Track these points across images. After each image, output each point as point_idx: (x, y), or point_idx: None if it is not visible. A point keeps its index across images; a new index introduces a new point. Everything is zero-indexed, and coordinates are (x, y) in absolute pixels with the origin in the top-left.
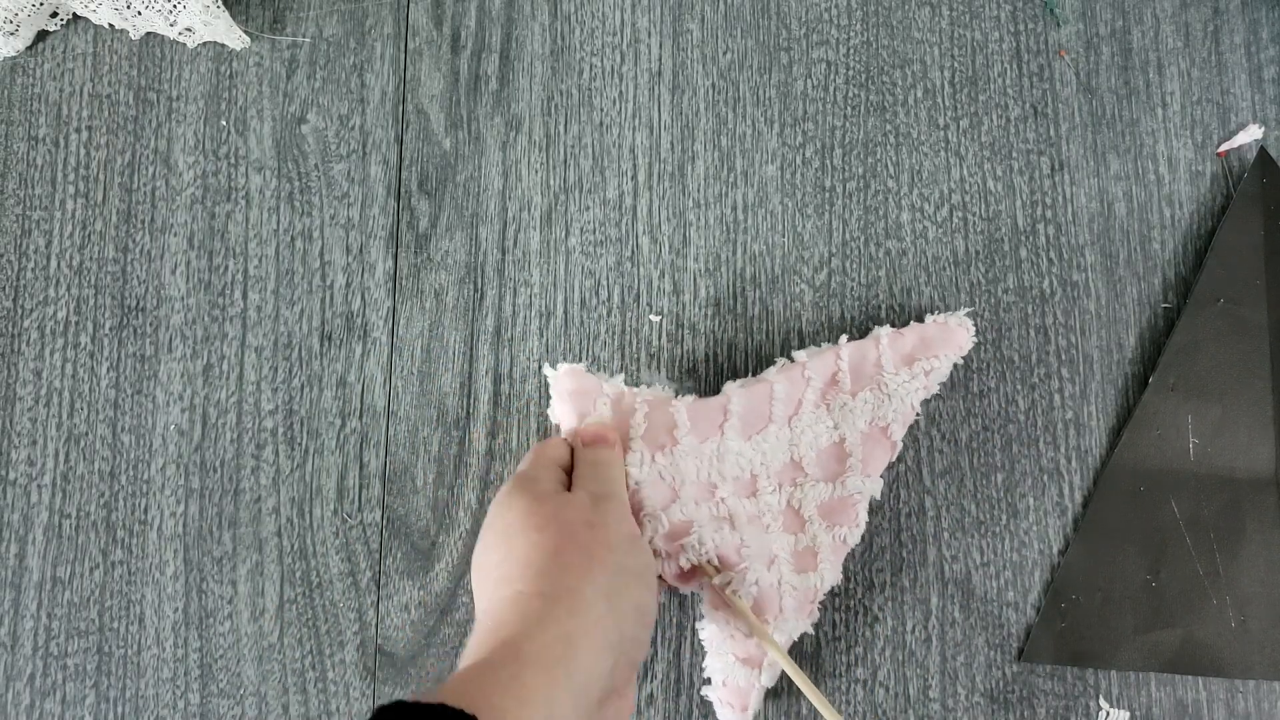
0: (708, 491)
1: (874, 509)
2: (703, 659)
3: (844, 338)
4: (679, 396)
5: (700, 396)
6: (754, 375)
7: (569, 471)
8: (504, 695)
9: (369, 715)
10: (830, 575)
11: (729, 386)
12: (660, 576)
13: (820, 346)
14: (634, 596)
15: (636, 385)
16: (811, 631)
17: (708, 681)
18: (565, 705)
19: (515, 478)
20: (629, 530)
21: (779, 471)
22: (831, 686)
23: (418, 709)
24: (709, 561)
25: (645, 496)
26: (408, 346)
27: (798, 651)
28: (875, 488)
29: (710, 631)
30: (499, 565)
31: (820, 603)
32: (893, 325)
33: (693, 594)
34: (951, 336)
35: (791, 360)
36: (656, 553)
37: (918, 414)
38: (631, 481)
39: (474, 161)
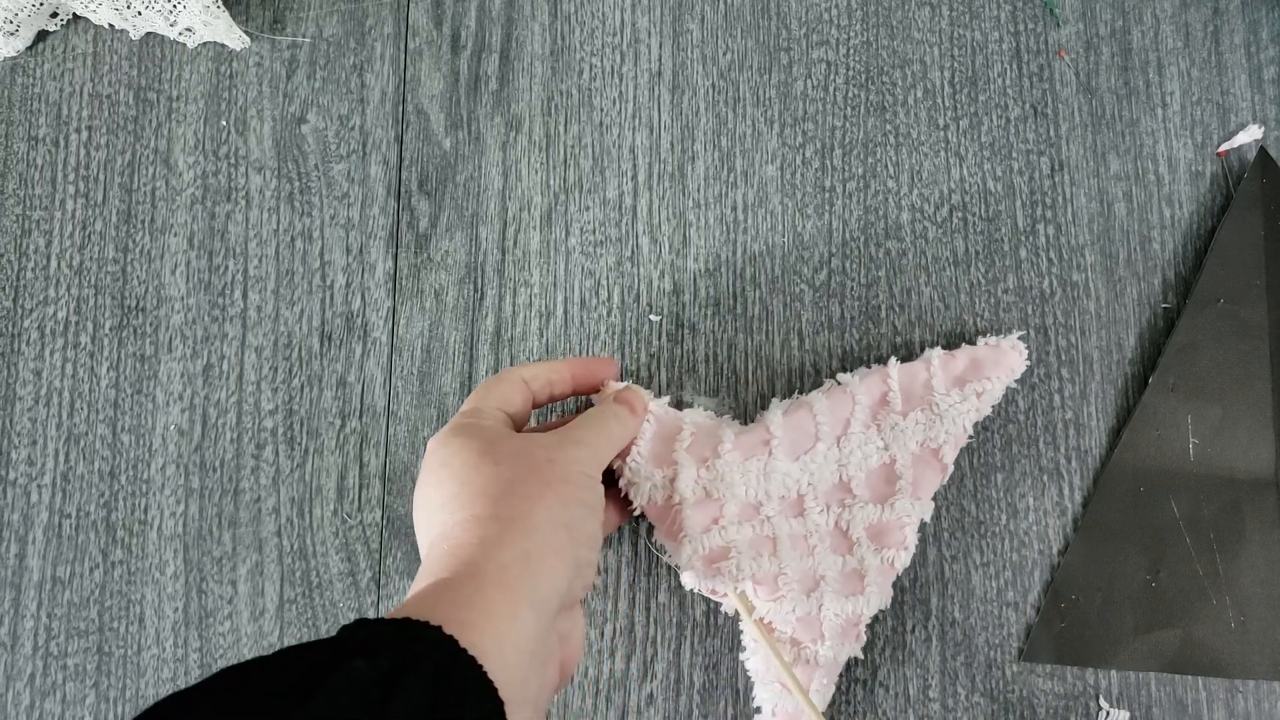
0: (752, 510)
1: None
2: (702, 661)
3: (893, 359)
4: (723, 420)
5: (742, 423)
6: (795, 396)
7: (516, 420)
8: (468, 609)
9: (335, 633)
10: (877, 599)
11: (772, 408)
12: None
13: (869, 368)
14: (588, 526)
15: (680, 408)
16: (861, 656)
17: (758, 710)
18: (528, 620)
19: (461, 417)
20: (591, 471)
21: (826, 492)
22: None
23: (382, 624)
24: (742, 593)
25: (687, 516)
26: (408, 346)
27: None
28: (926, 511)
29: (755, 662)
30: (454, 497)
31: (869, 626)
32: (944, 348)
33: (707, 602)
34: (1004, 359)
35: (838, 383)
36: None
37: (970, 437)
38: (676, 496)
39: (474, 161)
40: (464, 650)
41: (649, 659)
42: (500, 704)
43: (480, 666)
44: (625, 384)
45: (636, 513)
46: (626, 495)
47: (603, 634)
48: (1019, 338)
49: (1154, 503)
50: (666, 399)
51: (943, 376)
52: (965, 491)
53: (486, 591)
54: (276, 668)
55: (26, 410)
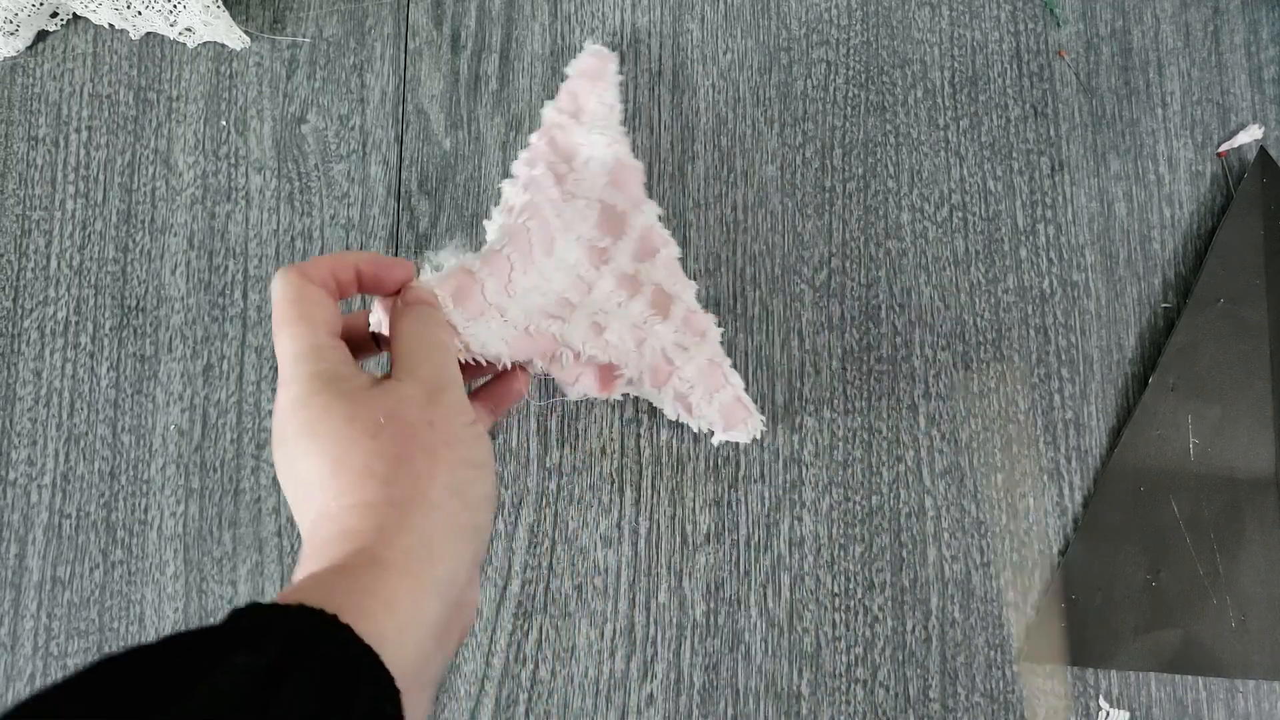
0: (554, 311)
1: (874, 510)
2: (702, 661)
3: (529, 144)
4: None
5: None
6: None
7: (347, 340)
8: (368, 597)
9: (223, 617)
10: (686, 292)
11: (489, 243)
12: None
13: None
14: (481, 488)
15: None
16: (721, 337)
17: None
18: (431, 607)
19: (304, 364)
20: (468, 419)
21: (585, 262)
22: (831, 686)
23: (274, 611)
24: (579, 357)
25: (474, 336)
26: None
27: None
28: (652, 208)
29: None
30: (332, 476)
31: (717, 321)
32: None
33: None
34: (589, 67)
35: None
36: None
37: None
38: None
39: (474, 161)
40: (359, 640)
41: (649, 659)
42: (396, 695)
43: (377, 657)
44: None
45: (503, 366)
46: (482, 364)
47: (603, 634)
48: (591, 42)
49: (1154, 503)
50: (420, 264)
51: (568, 117)
52: (965, 491)
53: (388, 579)
54: (155, 659)
55: (27, 410)
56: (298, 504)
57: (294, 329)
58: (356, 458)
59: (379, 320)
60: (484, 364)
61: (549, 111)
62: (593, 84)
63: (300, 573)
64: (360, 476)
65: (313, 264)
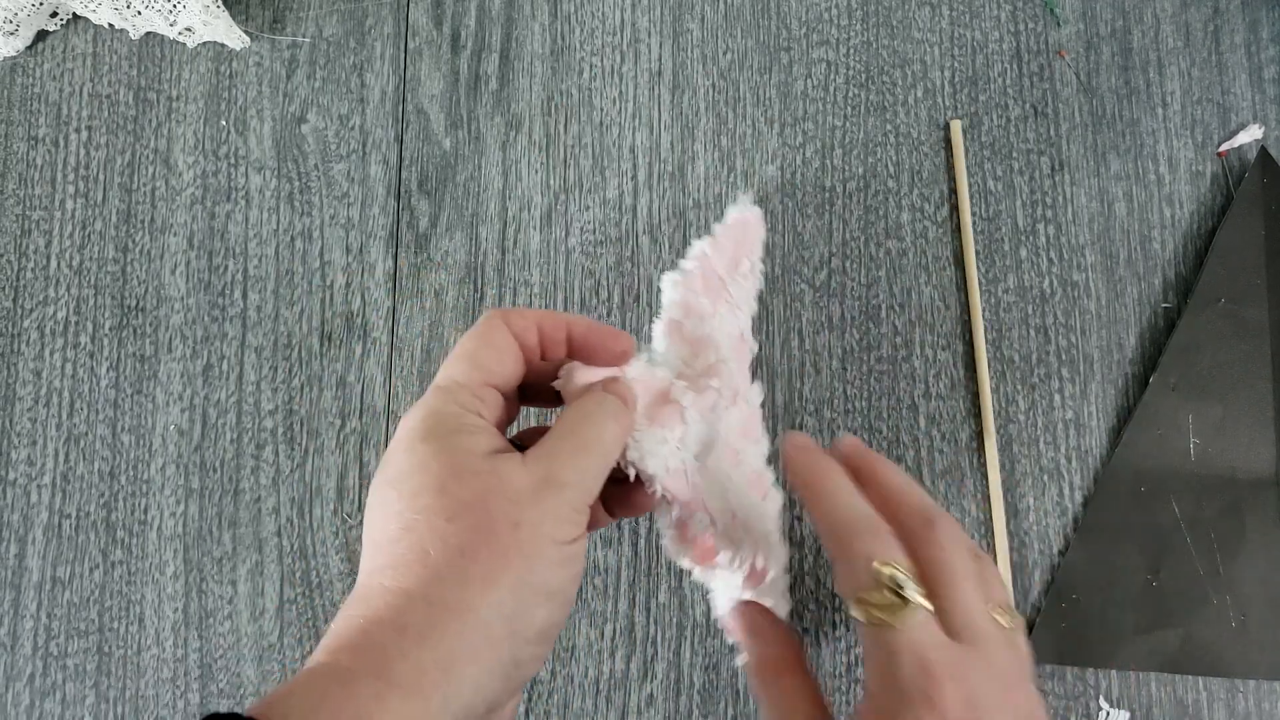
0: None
1: None
2: (702, 661)
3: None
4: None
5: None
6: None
7: (503, 397)
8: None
9: None
10: (755, 452)
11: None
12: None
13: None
14: (544, 617)
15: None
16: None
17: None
18: None
19: (435, 405)
20: (566, 535)
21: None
22: (832, 687)
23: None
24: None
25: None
26: (407, 346)
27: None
28: (755, 393)
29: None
30: (391, 544)
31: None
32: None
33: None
34: (750, 228)
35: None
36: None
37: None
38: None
39: (474, 161)
40: None
41: (649, 659)
42: None
43: None
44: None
45: (658, 494)
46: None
47: (603, 634)
48: (744, 196)
49: (1155, 503)
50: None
51: (721, 261)
52: (966, 492)
53: (391, 700)
54: None
55: (26, 410)
56: (365, 550)
57: (454, 363)
58: (421, 533)
59: (565, 384)
60: (626, 477)
61: (705, 243)
62: (743, 243)
63: (321, 646)
64: (415, 558)
65: (521, 312)
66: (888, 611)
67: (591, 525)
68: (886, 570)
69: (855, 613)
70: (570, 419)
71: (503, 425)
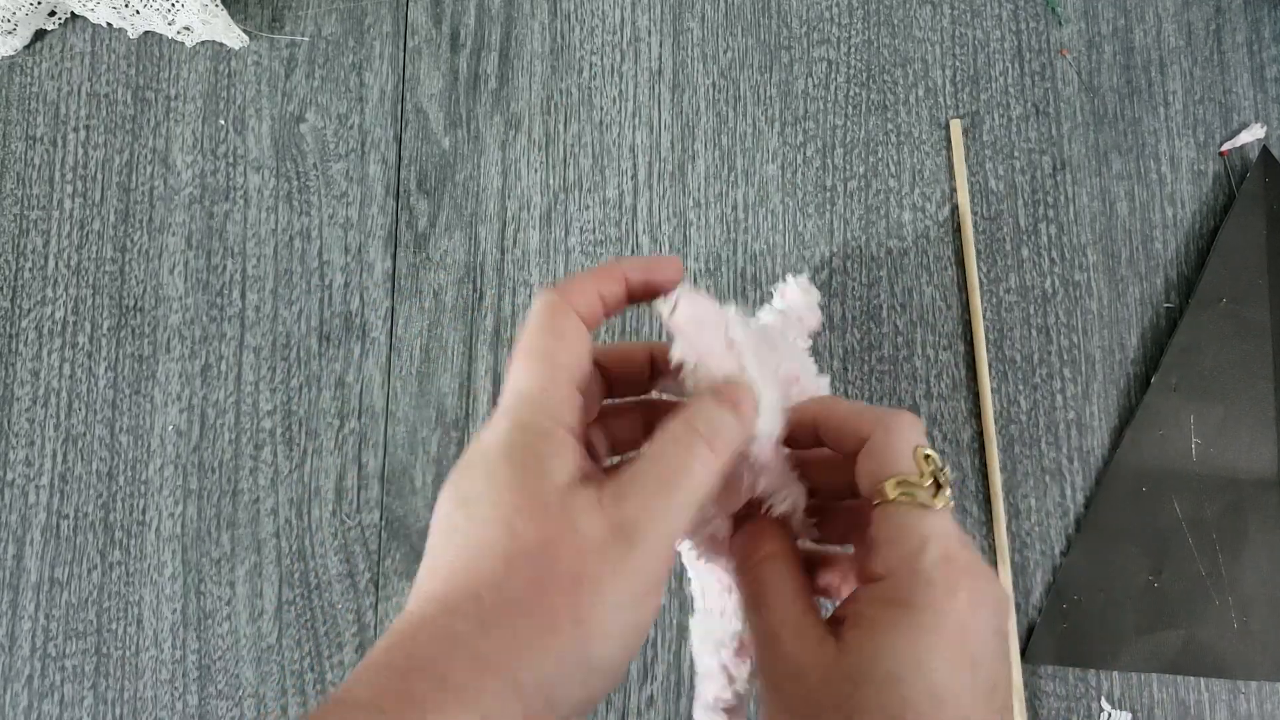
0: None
1: None
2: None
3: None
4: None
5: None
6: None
7: (581, 394)
8: None
9: None
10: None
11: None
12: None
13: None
14: (584, 695)
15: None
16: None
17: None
18: None
19: (516, 421)
20: (649, 583)
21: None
22: None
23: None
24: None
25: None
26: (406, 346)
27: None
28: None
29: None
30: (448, 575)
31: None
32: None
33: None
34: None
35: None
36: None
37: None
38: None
39: (473, 160)
40: None
41: (649, 661)
42: None
43: None
44: (727, 376)
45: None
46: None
47: None
48: (806, 277)
49: (1156, 503)
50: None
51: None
52: (966, 492)
53: None
54: None
55: (24, 410)
56: (428, 553)
57: (530, 363)
58: (480, 576)
59: (681, 360)
60: (741, 486)
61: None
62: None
63: (376, 662)
64: (469, 600)
65: (577, 284)
66: (926, 494)
67: None
68: (931, 454)
69: (892, 493)
70: (656, 445)
71: (585, 426)
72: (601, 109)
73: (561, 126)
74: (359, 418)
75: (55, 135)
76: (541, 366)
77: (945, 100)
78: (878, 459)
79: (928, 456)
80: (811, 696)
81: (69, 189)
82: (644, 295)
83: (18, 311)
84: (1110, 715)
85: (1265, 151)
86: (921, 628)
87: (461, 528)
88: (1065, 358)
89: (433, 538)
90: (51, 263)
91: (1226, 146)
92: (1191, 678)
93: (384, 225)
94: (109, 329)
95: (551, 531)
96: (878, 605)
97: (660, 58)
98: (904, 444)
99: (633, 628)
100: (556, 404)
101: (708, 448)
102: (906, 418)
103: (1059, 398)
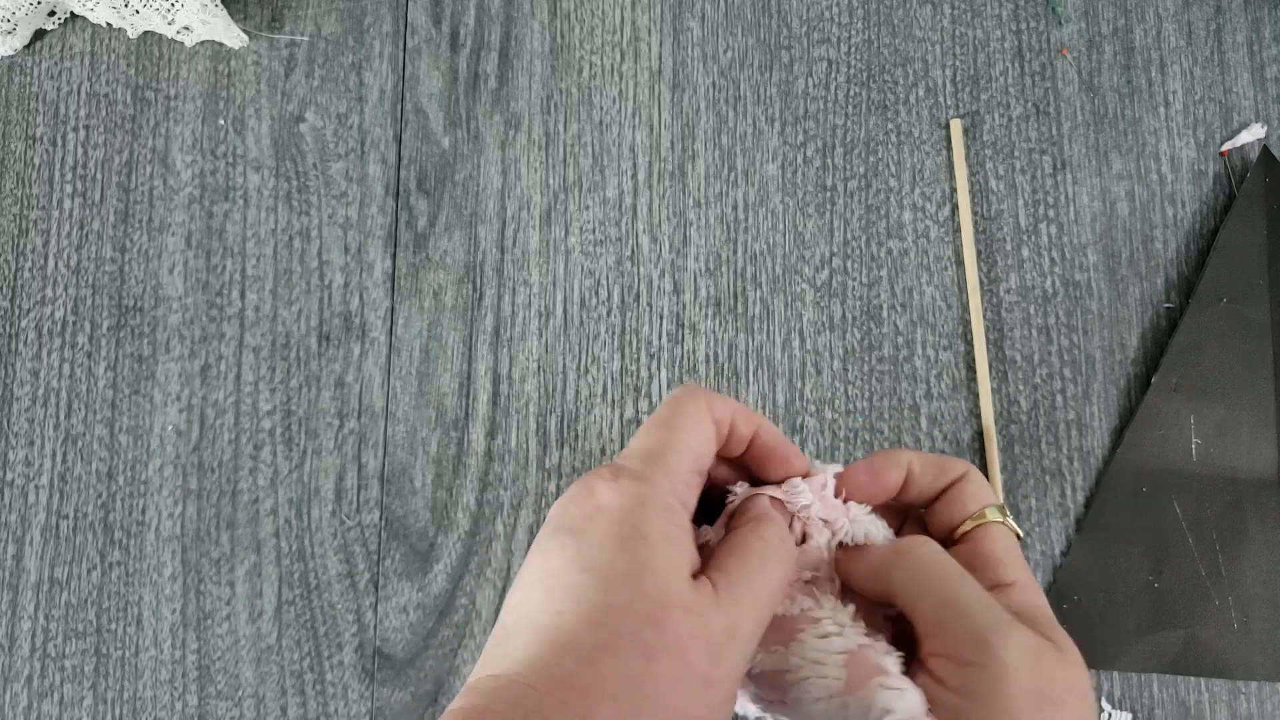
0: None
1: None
2: None
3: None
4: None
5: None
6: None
7: (699, 486)
8: None
9: None
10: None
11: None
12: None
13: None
14: None
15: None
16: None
17: None
18: None
19: (645, 497)
20: (735, 698)
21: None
22: None
23: None
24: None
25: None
26: (406, 346)
27: None
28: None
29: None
30: (577, 661)
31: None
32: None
33: None
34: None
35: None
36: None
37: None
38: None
39: (473, 160)
40: None
41: None
42: None
43: None
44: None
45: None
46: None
47: None
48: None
49: (1156, 503)
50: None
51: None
52: None
53: None
54: None
55: (24, 410)
56: (521, 618)
57: (664, 433)
58: (616, 667)
59: (739, 502)
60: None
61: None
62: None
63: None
64: (600, 694)
65: (722, 399)
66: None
67: None
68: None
69: (996, 515)
70: (752, 550)
71: (693, 516)
72: (601, 109)
73: (561, 126)
74: (359, 418)
75: (55, 135)
76: (675, 443)
77: (945, 100)
78: (977, 490)
79: (1000, 507)
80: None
81: (69, 189)
82: (755, 461)
83: (17, 311)
84: (1110, 715)
85: (1265, 151)
86: (1070, 665)
87: (598, 606)
88: (1065, 358)
89: (552, 600)
90: (51, 263)
91: (1227, 146)
92: (1192, 678)
93: (384, 225)
94: (109, 329)
95: (686, 629)
96: (1029, 607)
97: (660, 57)
98: (987, 486)
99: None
100: (683, 486)
101: (783, 569)
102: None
103: (1059, 398)
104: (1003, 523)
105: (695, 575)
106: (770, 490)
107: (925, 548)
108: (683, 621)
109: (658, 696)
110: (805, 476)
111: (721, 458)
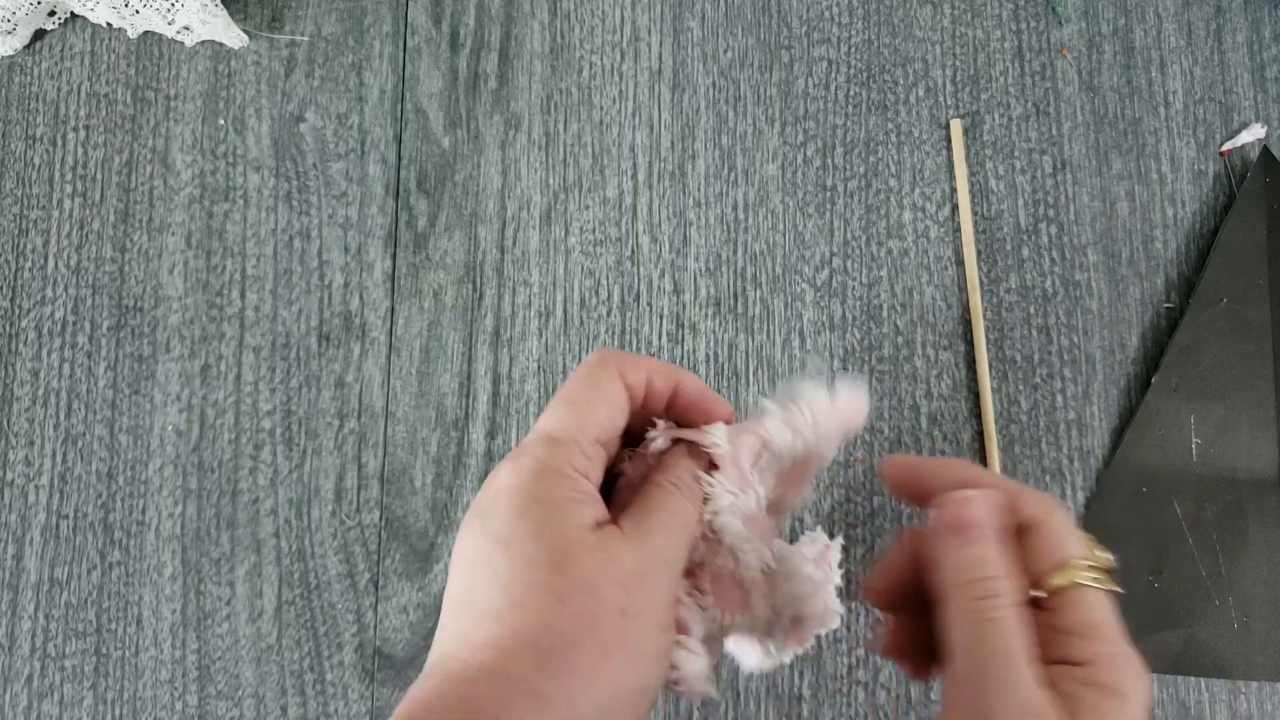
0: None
1: (876, 510)
2: None
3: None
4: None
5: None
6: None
7: (605, 453)
8: None
9: None
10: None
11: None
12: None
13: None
14: (641, 710)
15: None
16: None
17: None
18: None
19: (543, 466)
20: (669, 623)
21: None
22: (833, 688)
23: None
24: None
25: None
26: (406, 346)
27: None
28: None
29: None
30: (498, 618)
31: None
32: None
33: None
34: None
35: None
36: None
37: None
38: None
39: (473, 160)
40: None
41: None
42: None
43: None
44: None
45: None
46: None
47: None
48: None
49: (1156, 503)
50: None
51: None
52: None
53: None
54: None
55: (24, 410)
56: (449, 602)
57: (568, 410)
58: (533, 617)
59: (659, 440)
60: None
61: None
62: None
63: (423, 701)
64: (524, 643)
65: (635, 360)
66: (1108, 580)
67: None
68: (1092, 539)
69: (1084, 577)
70: (660, 491)
71: (600, 482)
72: (601, 109)
73: (561, 126)
74: (359, 418)
75: (55, 135)
76: (575, 416)
77: (945, 100)
78: (1057, 540)
79: (1089, 554)
80: None
81: (69, 189)
82: (680, 413)
83: (17, 311)
84: None
85: (1265, 151)
86: (1135, 717)
87: (504, 569)
88: (1065, 358)
89: (470, 578)
90: (51, 262)
91: (1227, 146)
92: (1192, 678)
93: (384, 225)
94: (109, 329)
95: (595, 566)
96: (1093, 691)
97: (660, 57)
98: (1072, 528)
99: (666, 647)
100: (582, 455)
101: (696, 498)
102: (1057, 501)
103: (1059, 398)
104: (1095, 586)
105: (602, 526)
106: (684, 432)
107: (992, 602)
108: (589, 560)
109: (574, 633)
110: (729, 423)
111: (648, 412)
